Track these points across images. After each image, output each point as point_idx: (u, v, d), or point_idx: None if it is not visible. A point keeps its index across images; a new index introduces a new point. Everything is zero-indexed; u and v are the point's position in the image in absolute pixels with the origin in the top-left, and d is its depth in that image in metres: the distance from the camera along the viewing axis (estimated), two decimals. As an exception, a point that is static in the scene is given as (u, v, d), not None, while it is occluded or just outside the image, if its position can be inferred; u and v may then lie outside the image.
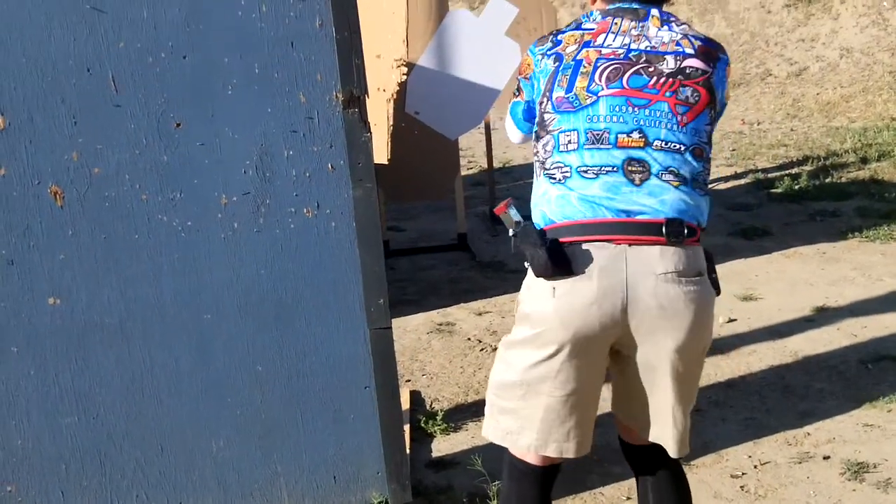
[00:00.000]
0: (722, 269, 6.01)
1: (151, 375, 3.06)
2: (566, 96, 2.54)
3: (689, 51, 2.56)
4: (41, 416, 3.05)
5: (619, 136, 2.50)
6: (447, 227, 7.97)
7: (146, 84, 2.91)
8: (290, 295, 3.03)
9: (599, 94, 2.52)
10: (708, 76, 2.57)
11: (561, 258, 2.47)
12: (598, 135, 2.50)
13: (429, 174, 7.29)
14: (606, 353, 2.61)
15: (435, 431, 4.14)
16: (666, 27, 2.61)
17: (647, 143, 2.50)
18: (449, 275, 6.78)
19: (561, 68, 2.57)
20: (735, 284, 5.82)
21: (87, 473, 3.11)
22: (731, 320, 5.30)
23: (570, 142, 2.53)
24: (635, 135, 2.50)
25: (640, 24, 2.60)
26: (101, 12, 2.87)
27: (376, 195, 3.03)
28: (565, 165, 2.53)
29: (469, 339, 5.38)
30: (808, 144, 10.19)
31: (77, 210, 2.93)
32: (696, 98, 2.55)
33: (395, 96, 5.92)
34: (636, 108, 2.51)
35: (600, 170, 2.50)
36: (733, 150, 10.25)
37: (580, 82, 2.54)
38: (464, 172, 8.39)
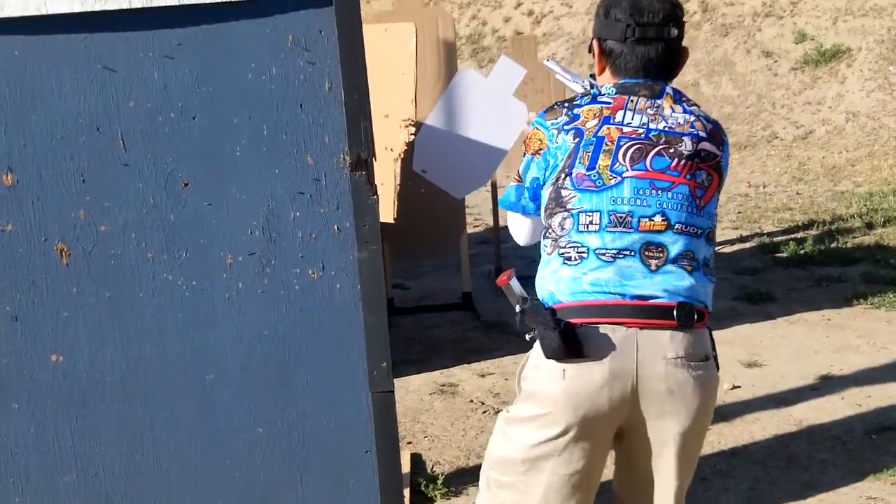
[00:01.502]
0: (726, 334, 6.02)
1: (151, 435, 3.04)
2: (588, 174, 2.53)
3: (703, 133, 2.59)
4: (40, 473, 3.03)
5: (641, 219, 2.50)
6: (452, 285, 7.98)
7: (155, 143, 2.92)
8: (292, 356, 3.03)
9: (624, 175, 2.52)
10: (718, 160, 2.60)
11: (573, 341, 2.47)
12: (621, 218, 2.50)
13: (435, 232, 7.32)
14: (612, 435, 2.60)
15: (435, 496, 4.12)
16: (680, 107, 2.62)
17: (669, 227, 2.51)
18: (453, 334, 6.77)
19: (582, 144, 2.55)
20: (739, 349, 5.81)
21: (84, 532, 3.09)
22: (734, 387, 5.28)
23: (591, 223, 2.52)
24: (658, 218, 2.51)
25: (655, 103, 2.60)
26: (113, 71, 2.89)
27: (381, 257, 3.03)
28: (583, 246, 2.52)
29: (472, 401, 5.36)
30: (814, 208, 10.21)
31: (82, 267, 2.94)
32: (710, 181, 2.58)
33: (402, 155, 5.95)
34: (659, 191, 2.52)
35: (618, 253, 2.50)
36: (739, 212, 10.26)
37: (603, 160, 2.53)
38: (470, 230, 8.41)
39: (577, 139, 2.56)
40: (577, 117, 2.59)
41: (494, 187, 8.45)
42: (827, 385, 5.24)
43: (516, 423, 2.63)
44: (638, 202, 2.50)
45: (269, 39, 2.92)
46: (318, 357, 3.03)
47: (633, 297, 2.47)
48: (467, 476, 4.38)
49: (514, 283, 2.76)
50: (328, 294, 3.02)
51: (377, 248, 3.02)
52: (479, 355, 6.19)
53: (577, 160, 2.54)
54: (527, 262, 8.89)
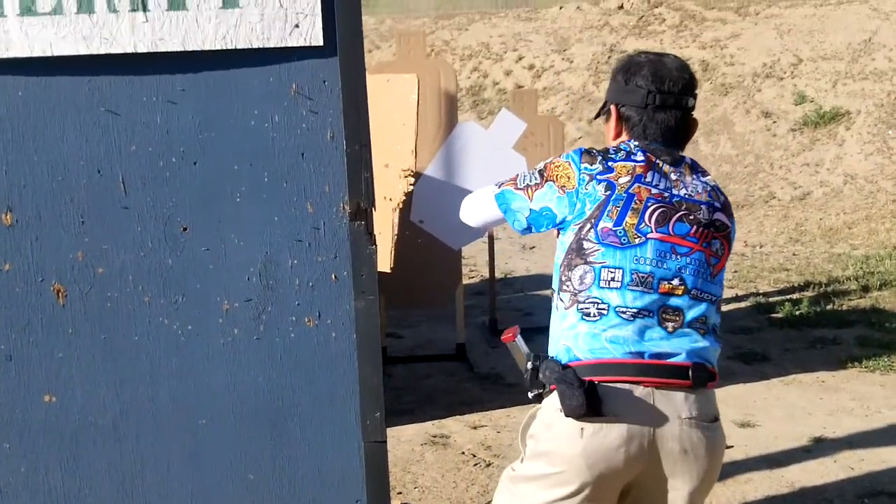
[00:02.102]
0: (720, 393, 5.99)
1: (142, 478, 3.02)
2: (614, 230, 2.55)
3: (717, 204, 2.66)
4: (28, 515, 3.01)
5: (661, 281, 2.54)
6: (446, 336, 7.96)
7: (155, 187, 2.93)
8: (286, 404, 3.02)
9: (648, 236, 2.54)
10: (729, 231, 2.66)
11: (594, 399, 2.47)
12: (643, 278, 2.53)
13: (430, 283, 7.32)
14: (619, 492, 2.61)
15: (424, 547, 4.09)
16: (697, 177, 2.67)
17: (686, 292, 2.55)
18: (446, 385, 6.76)
19: (613, 198, 2.57)
20: (733, 409, 5.80)
21: (69, 576, 3.06)
22: (727, 447, 5.26)
23: (613, 279, 2.53)
24: (676, 281, 2.54)
25: (678, 169, 2.65)
26: (115, 115, 2.91)
27: (378, 307, 3.03)
28: (603, 302, 2.53)
29: (463, 452, 5.34)
30: (810, 270, 10.23)
31: (79, 309, 2.94)
32: (722, 252, 2.65)
33: (401, 205, 5.97)
34: (679, 256, 2.56)
35: (638, 313, 2.52)
36: (735, 272, 10.28)
37: (630, 218, 2.55)
38: (465, 281, 8.41)
39: (609, 192, 2.58)
40: (611, 170, 2.61)
41: (491, 239, 8.46)
42: (820, 447, 5.23)
43: (525, 482, 2.61)
44: (659, 264, 2.53)
45: (273, 87, 2.94)
46: (312, 405, 3.02)
47: (651, 355, 2.49)
48: (457, 529, 4.37)
49: (520, 341, 2.77)
50: (324, 342, 3.01)
51: (374, 297, 3.02)
52: (472, 407, 6.18)
53: (605, 213, 2.56)
54: (521, 314, 8.91)
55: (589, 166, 2.63)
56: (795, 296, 8.96)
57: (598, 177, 2.61)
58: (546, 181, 2.67)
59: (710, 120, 15.22)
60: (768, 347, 7.29)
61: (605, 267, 2.53)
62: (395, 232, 5.92)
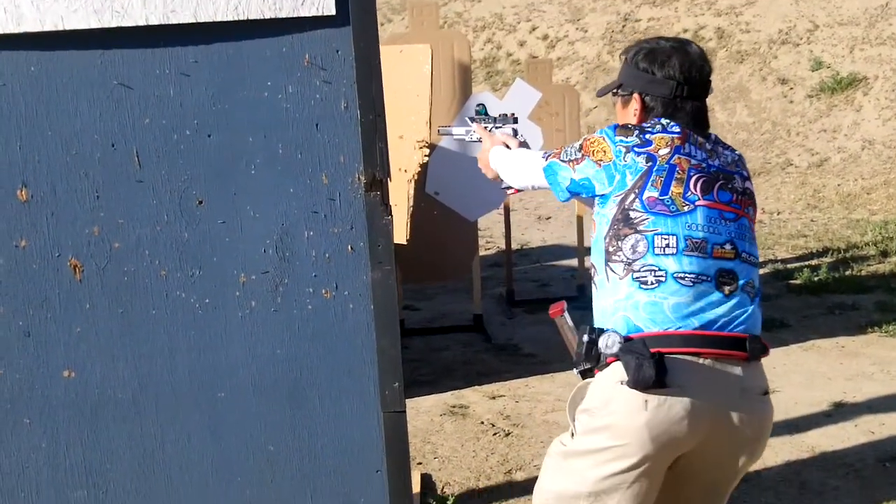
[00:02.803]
0: (739, 360, 6.00)
1: (162, 452, 3.03)
2: (660, 198, 2.56)
3: (745, 173, 2.71)
4: (50, 489, 3.02)
5: (714, 246, 2.56)
6: (463, 307, 7.97)
7: (170, 161, 2.93)
8: (304, 375, 3.02)
9: (696, 203, 2.57)
10: (755, 199, 2.72)
11: (662, 370, 2.48)
12: (697, 243, 2.55)
13: (447, 255, 7.31)
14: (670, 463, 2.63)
15: (445, 517, 4.10)
16: (724, 148, 2.73)
17: (737, 255, 2.60)
18: (463, 356, 6.76)
19: (655, 169, 2.57)
20: (752, 376, 5.78)
21: (92, 550, 3.08)
22: (748, 413, 5.24)
23: (667, 245, 2.55)
24: (728, 246, 2.58)
25: (710, 141, 2.70)
26: (129, 88, 2.90)
27: (395, 278, 3.03)
28: (660, 269, 2.54)
29: (482, 422, 5.35)
30: (829, 236, 10.19)
31: (96, 284, 2.94)
32: (754, 218, 2.68)
33: (416, 177, 5.96)
34: (727, 221, 2.61)
35: (696, 278, 2.54)
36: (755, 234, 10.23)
37: (675, 188, 2.58)
38: (481, 253, 8.40)
39: (650, 163, 2.59)
40: (649, 143, 2.63)
41: (507, 210, 8.45)
42: (840, 412, 5.21)
43: (580, 456, 2.60)
44: (710, 230, 2.56)
45: (286, 58, 2.92)
46: (330, 376, 3.02)
47: (710, 322, 2.50)
48: (477, 497, 4.37)
49: (568, 315, 2.78)
50: (341, 314, 3.01)
51: (390, 268, 3.02)
52: (490, 377, 6.17)
53: (650, 183, 2.57)
54: (537, 285, 8.90)
55: (624, 139, 2.65)
56: (814, 262, 8.92)
57: (636, 149, 2.62)
58: (584, 156, 2.69)
59: (726, 87, 15.13)
60: (787, 314, 7.26)
61: (657, 234, 2.54)
62: (411, 204, 5.91)
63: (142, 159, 2.93)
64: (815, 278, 8.21)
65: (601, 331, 2.60)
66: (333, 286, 3.00)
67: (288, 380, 3.02)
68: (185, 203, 2.95)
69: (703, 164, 2.63)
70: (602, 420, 2.55)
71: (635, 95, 2.79)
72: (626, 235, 2.58)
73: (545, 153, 2.87)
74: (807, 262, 8.95)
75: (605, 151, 2.65)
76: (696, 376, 2.50)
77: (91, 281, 2.94)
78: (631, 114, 2.80)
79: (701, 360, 2.51)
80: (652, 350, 2.47)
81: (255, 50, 2.92)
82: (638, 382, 2.47)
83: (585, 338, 2.60)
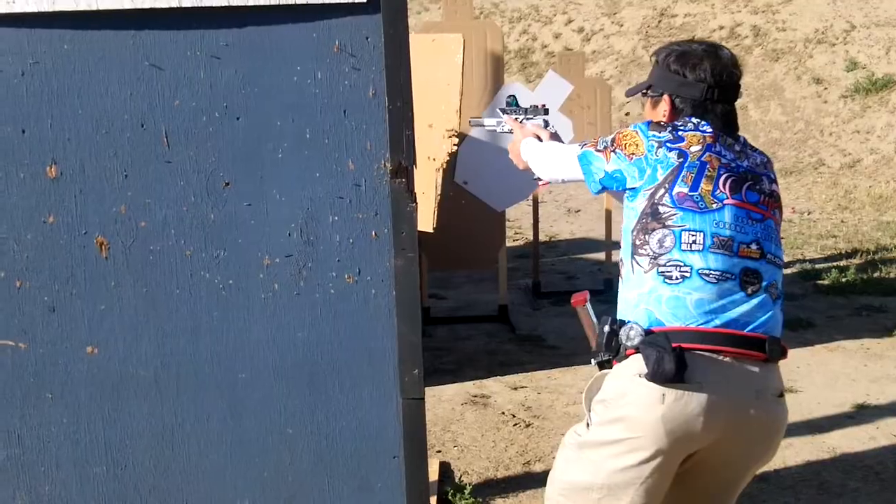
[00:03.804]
0: (763, 359, 5.99)
1: (182, 430, 3.06)
2: (690, 194, 2.58)
3: (772, 175, 2.73)
4: (70, 464, 3.06)
5: (741, 245, 2.58)
6: (488, 297, 7.97)
7: (198, 142, 2.95)
8: (325, 359, 3.04)
9: (725, 202, 2.60)
10: (781, 203, 2.74)
11: (682, 365, 2.48)
12: (723, 241, 2.57)
13: (474, 244, 7.32)
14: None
15: (462, 505, 4.11)
16: (752, 150, 2.75)
17: (763, 256, 2.62)
18: (487, 346, 6.77)
19: (686, 165, 2.60)
20: (775, 375, 5.75)
21: (111, 524, 3.11)
22: (769, 412, 5.22)
23: (694, 242, 2.57)
24: (753, 246, 2.61)
25: (739, 142, 2.72)
26: (160, 69, 2.93)
27: (418, 265, 3.04)
28: (685, 265, 2.55)
29: (503, 413, 5.36)
30: (858, 237, 10.12)
31: (121, 262, 2.97)
32: (780, 220, 2.70)
33: (444, 166, 5.96)
34: (754, 222, 2.64)
35: (721, 275, 2.56)
36: (782, 238, 10.19)
37: (705, 185, 2.60)
38: (509, 244, 8.40)
39: (682, 160, 2.61)
40: (681, 139, 2.65)
41: (536, 202, 8.44)
42: (862, 414, 5.18)
43: (593, 448, 2.61)
44: (737, 229, 2.58)
45: (316, 44, 2.94)
46: (351, 361, 3.04)
47: (731, 321, 2.51)
48: (495, 487, 4.38)
49: (590, 306, 2.81)
50: (363, 299, 3.02)
51: (413, 255, 3.03)
52: (512, 368, 6.18)
53: (680, 179, 2.59)
54: (564, 278, 8.89)
55: (657, 134, 2.67)
56: (842, 263, 8.87)
57: (669, 144, 2.64)
58: (616, 148, 2.70)
59: (760, 85, 15.05)
60: (813, 314, 7.22)
61: (685, 230, 2.56)
62: (439, 192, 5.92)
63: (170, 140, 2.95)
64: (843, 279, 8.16)
65: (623, 322, 2.61)
66: (356, 271, 3.01)
67: (308, 363, 3.04)
68: (211, 184, 2.97)
69: (733, 164, 2.65)
70: (618, 412, 2.56)
71: (665, 97, 2.81)
72: (653, 230, 2.59)
73: (581, 143, 2.88)
74: (835, 263, 8.90)
75: (637, 145, 2.67)
76: (715, 374, 2.51)
77: (117, 259, 2.97)
78: (660, 115, 2.82)
79: (721, 358, 2.51)
80: (673, 345, 2.47)
81: (286, 35, 2.94)
82: (657, 376, 2.48)
83: (606, 328, 2.62)
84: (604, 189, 2.81)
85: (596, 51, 17.83)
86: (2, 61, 2.91)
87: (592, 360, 2.70)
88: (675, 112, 2.79)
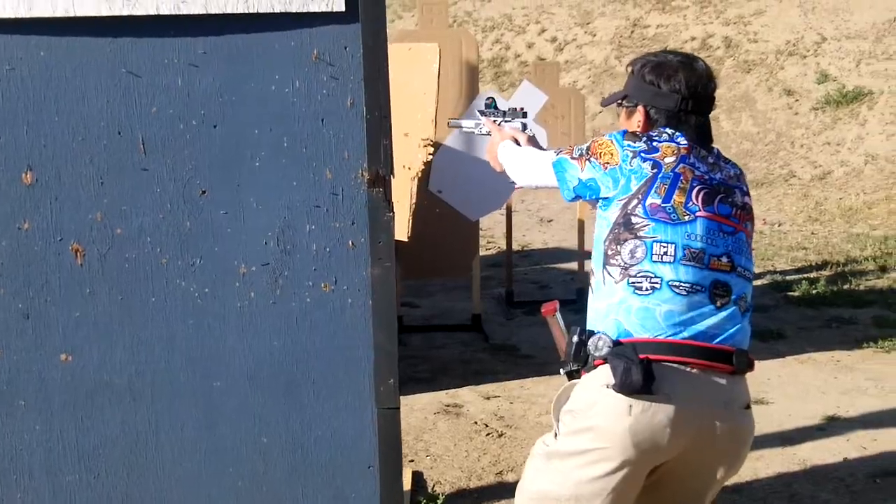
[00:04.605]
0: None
1: (156, 439, 3.05)
2: (663, 206, 2.58)
3: (745, 188, 2.74)
4: (43, 472, 3.04)
5: (712, 257, 2.58)
6: (462, 306, 7.97)
7: (175, 150, 2.94)
8: (300, 368, 3.03)
9: (697, 214, 2.60)
10: (753, 214, 2.75)
11: (649, 376, 2.48)
12: (695, 253, 2.57)
13: (447, 253, 7.32)
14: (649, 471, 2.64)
15: (435, 515, 4.11)
16: (725, 162, 2.76)
17: (733, 269, 2.62)
18: (461, 355, 6.77)
19: (660, 176, 2.60)
20: (746, 386, 5.78)
21: (83, 533, 3.09)
22: (740, 423, 5.24)
23: (665, 253, 2.56)
24: (724, 259, 2.61)
25: (712, 155, 2.72)
26: (137, 77, 2.92)
27: (394, 275, 3.04)
28: (656, 276, 2.55)
29: (476, 422, 5.36)
30: (828, 249, 10.20)
31: (96, 269, 2.95)
32: (752, 233, 2.71)
33: (419, 174, 5.96)
34: (725, 234, 2.63)
35: (691, 288, 2.55)
36: (752, 249, 10.25)
37: (678, 196, 2.59)
38: (481, 253, 8.41)
39: (656, 170, 2.61)
40: (656, 150, 2.65)
41: (509, 211, 8.45)
42: (833, 426, 5.21)
43: (561, 458, 2.60)
44: (709, 241, 2.58)
45: (294, 52, 2.94)
46: (326, 370, 3.04)
47: (700, 333, 2.52)
48: (468, 497, 4.38)
49: (559, 315, 2.81)
50: (339, 308, 3.02)
51: (391, 265, 3.03)
52: (485, 377, 6.18)
53: (653, 190, 2.59)
54: (537, 287, 8.91)
55: (632, 144, 2.67)
56: (813, 275, 8.92)
57: (643, 154, 2.64)
58: (591, 157, 2.71)
59: (732, 97, 15.14)
60: (784, 325, 7.27)
61: (656, 241, 2.55)
62: (413, 201, 5.92)
63: (147, 147, 2.94)
64: (814, 291, 8.22)
65: (591, 332, 2.61)
66: (333, 280, 3.01)
67: (284, 372, 3.03)
68: (188, 192, 2.96)
69: (706, 176, 2.65)
70: (586, 422, 2.56)
71: (640, 107, 2.80)
72: (625, 240, 2.59)
73: (556, 150, 2.89)
74: (806, 275, 8.96)
75: (612, 154, 2.67)
76: (682, 385, 2.51)
77: (92, 266, 2.95)
78: (634, 125, 2.81)
79: (688, 370, 2.52)
80: (640, 356, 2.48)
81: (264, 43, 2.94)
82: (624, 387, 2.47)
83: (575, 338, 2.61)
84: (577, 197, 2.81)
85: (569, 60, 17.89)
86: (-23, 67, 2.89)
87: (561, 370, 2.70)
88: (649, 123, 2.78)
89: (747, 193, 2.76)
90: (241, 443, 3.06)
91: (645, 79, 2.80)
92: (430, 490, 4.41)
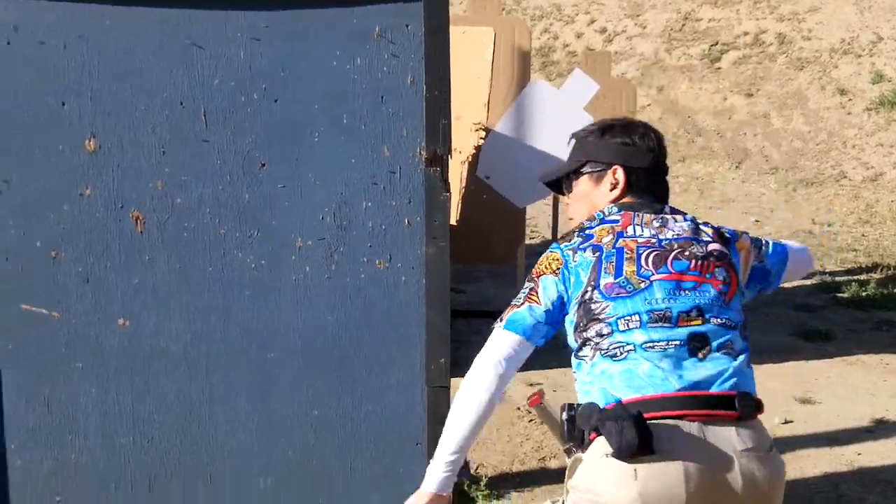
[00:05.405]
0: (781, 368, 5.98)
1: (209, 406, 3.08)
2: (616, 282, 2.47)
3: (708, 237, 2.58)
4: (98, 434, 3.08)
5: (679, 314, 2.43)
6: (507, 294, 7.95)
7: (236, 122, 2.97)
8: (353, 343, 3.05)
9: (651, 279, 2.46)
10: (729, 258, 2.58)
11: (647, 434, 2.27)
12: (660, 314, 2.43)
13: (494, 239, 7.32)
14: None
15: (477, 497, 4.13)
16: (680, 216, 2.63)
17: (705, 321, 2.43)
18: (504, 342, 6.73)
19: (604, 257, 2.50)
20: (793, 385, 5.76)
21: (134, 496, 3.13)
22: (787, 421, 5.23)
23: (630, 322, 2.42)
24: (694, 313, 2.44)
25: (659, 217, 2.59)
26: (200, 49, 2.94)
27: (448, 254, 3.05)
28: (628, 343, 2.41)
29: (518, 408, 5.36)
30: (879, 251, 10.08)
31: (156, 237, 2.99)
32: (729, 279, 2.54)
33: (469, 159, 5.97)
34: (686, 291, 2.47)
35: (667, 344, 2.39)
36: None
37: (628, 267, 2.48)
38: (526, 241, 8.39)
39: (597, 253, 2.51)
40: (590, 237, 2.56)
41: (555, 200, 8.43)
42: (881, 429, 5.16)
43: None
44: (671, 300, 2.45)
45: (356, 29, 2.95)
46: (379, 347, 3.06)
47: (692, 384, 2.37)
48: (510, 481, 4.39)
49: (546, 402, 2.72)
50: (393, 286, 3.04)
51: (445, 245, 3.04)
52: (528, 364, 6.15)
53: (603, 271, 2.49)
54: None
55: (568, 243, 2.57)
56: (863, 277, 8.81)
57: (581, 246, 2.54)
58: (539, 278, 2.56)
59: (783, 94, 15.01)
60: (833, 326, 7.18)
61: (619, 318, 2.43)
62: (463, 185, 5.93)
63: (209, 119, 2.97)
64: (864, 293, 8.12)
65: (577, 406, 2.45)
66: (388, 258, 3.03)
67: (337, 346, 3.05)
68: (248, 165, 2.99)
69: (653, 240, 2.54)
70: (593, 498, 2.37)
71: (615, 168, 2.66)
72: (590, 327, 2.47)
73: (492, 327, 2.64)
74: (855, 277, 8.85)
75: (557, 260, 2.56)
76: (684, 440, 2.33)
77: (152, 234, 2.99)
78: (606, 190, 2.68)
79: (686, 423, 2.34)
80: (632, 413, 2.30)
81: (326, 19, 2.95)
82: (623, 449, 2.27)
83: (564, 416, 2.45)
84: (553, 329, 2.58)
85: (618, 52, 17.79)
86: (45, 35, 2.93)
87: (567, 459, 2.52)
88: (628, 184, 2.65)
89: (714, 240, 2.60)
90: (294, 415, 3.09)
91: (614, 138, 2.68)
92: (473, 472, 4.42)
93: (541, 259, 2.60)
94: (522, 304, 2.56)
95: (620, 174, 2.65)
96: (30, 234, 2.98)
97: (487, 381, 2.58)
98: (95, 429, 3.07)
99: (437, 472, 2.52)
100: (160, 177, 2.98)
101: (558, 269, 2.54)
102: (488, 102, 6.04)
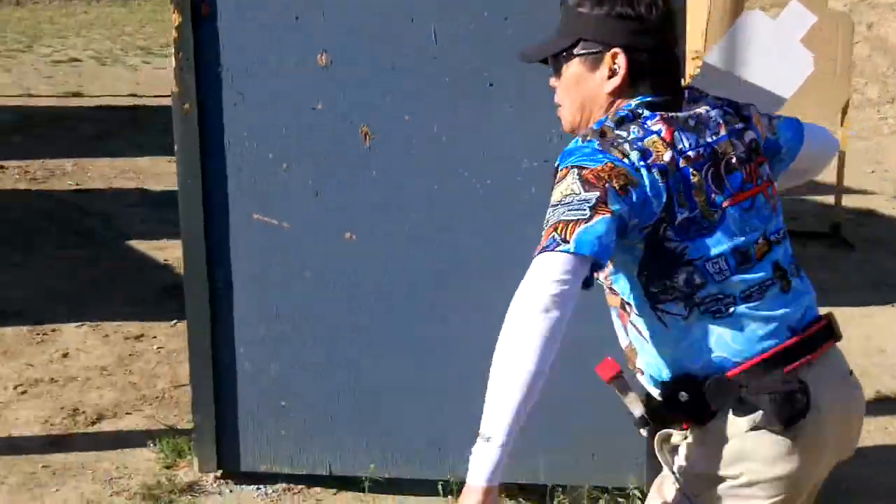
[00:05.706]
0: None
1: (437, 326, 3.11)
2: (691, 216, 2.03)
3: (738, 125, 2.14)
4: (322, 345, 3.16)
5: (754, 247, 2.08)
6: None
7: (465, 41, 2.96)
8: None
9: (722, 206, 2.05)
10: (758, 140, 2.17)
11: (807, 392, 2.04)
12: (742, 252, 2.06)
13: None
14: None
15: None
16: (703, 102, 2.14)
17: (771, 244, 2.10)
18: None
19: (672, 185, 2.02)
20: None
21: (359, 410, 3.21)
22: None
23: (720, 269, 2.05)
24: (761, 240, 2.09)
25: (689, 111, 2.10)
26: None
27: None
28: (727, 296, 2.07)
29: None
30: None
31: (383, 152, 3.01)
32: (770, 174, 2.18)
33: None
34: (748, 211, 2.10)
35: (761, 286, 2.08)
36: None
37: (698, 197, 2.03)
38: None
39: (665, 179, 2.00)
40: (649, 153, 2.01)
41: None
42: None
43: None
44: (744, 231, 2.06)
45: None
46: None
47: (798, 326, 2.10)
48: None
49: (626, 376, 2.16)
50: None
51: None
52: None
53: (676, 204, 2.01)
54: (788, 217, 8.57)
55: (628, 153, 1.99)
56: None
57: (648, 165, 1.99)
58: (609, 191, 1.95)
59: None
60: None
61: (707, 261, 2.03)
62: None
63: (439, 37, 2.96)
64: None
65: (687, 378, 2.11)
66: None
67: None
68: (476, 84, 2.97)
69: (701, 150, 2.06)
70: (743, 479, 2.11)
71: (615, 52, 2.07)
72: (671, 272, 2.06)
73: (540, 248, 2.00)
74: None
75: (626, 175, 1.97)
76: (818, 391, 2.07)
77: (379, 149, 3.01)
78: (602, 80, 2.09)
79: (811, 368, 2.09)
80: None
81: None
82: (791, 418, 2.03)
83: (684, 396, 2.09)
84: (609, 253, 1.97)
85: (831, -14, 17.09)
86: (277, -51, 2.97)
87: (643, 430, 2.19)
88: (632, 76, 2.08)
89: (745, 128, 2.16)
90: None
91: (615, 10, 2.08)
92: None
93: (597, 170, 1.97)
94: (591, 217, 1.93)
95: (621, 60, 2.08)
96: (263, 146, 3.04)
97: (555, 329, 1.85)
98: (320, 340, 3.15)
99: (489, 458, 1.84)
100: (389, 93, 2.99)
101: (626, 186, 1.96)
102: (706, 31, 5.87)
